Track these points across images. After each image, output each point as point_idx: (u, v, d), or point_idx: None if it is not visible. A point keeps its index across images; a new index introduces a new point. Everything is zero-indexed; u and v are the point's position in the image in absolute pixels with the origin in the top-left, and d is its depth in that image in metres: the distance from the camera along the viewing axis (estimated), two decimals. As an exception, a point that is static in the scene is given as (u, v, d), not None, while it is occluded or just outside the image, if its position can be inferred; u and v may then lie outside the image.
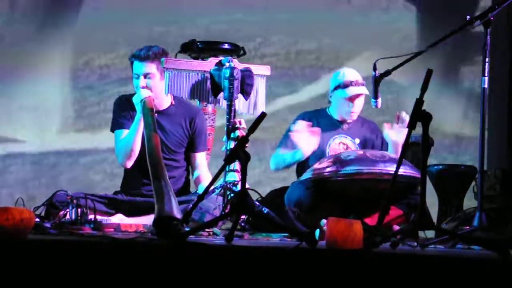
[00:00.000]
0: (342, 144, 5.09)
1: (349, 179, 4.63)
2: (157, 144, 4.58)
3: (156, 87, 4.86)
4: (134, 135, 4.83)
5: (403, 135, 4.77)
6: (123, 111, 4.96)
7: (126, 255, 3.29)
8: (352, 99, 5.08)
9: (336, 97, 5.11)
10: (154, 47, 4.93)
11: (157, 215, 4.20)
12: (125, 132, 4.91)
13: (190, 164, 5.10)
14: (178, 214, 4.19)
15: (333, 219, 3.67)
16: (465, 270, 3.31)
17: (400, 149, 4.83)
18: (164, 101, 5.00)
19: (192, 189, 5.15)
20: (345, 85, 5.07)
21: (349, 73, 5.13)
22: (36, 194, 6.48)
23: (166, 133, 4.95)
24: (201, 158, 5.09)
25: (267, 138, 6.48)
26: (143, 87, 4.85)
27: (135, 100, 4.82)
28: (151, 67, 4.86)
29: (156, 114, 4.79)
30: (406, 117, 4.88)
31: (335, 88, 5.11)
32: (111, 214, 4.79)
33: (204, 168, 5.07)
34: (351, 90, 5.05)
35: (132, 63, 4.92)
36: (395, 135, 4.95)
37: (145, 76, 4.87)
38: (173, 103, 5.03)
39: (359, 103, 5.10)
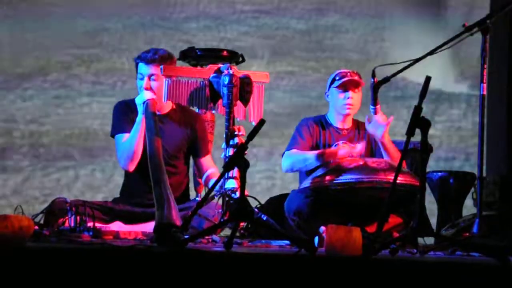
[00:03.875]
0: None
1: (349, 187, 4.63)
2: (159, 148, 4.58)
3: (159, 90, 4.85)
4: (136, 137, 4.82)
5: (381, 129, 4.87)
6: (123, 115, 4.95)
7: (125, 262, 3.29)
8: (347, 88, 5.06)
9: (332, 90, 5.11)
10: (161, 50, 4.92)
11: (157, 222, 4.20)
12: (126, 135, 4.90)
13: (198, 169, 5.09)
14: (178, 221, 4.19)
15: (332, 226, 3.67)
16: (464, 277, 3.31)
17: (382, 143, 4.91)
18: (165, 106, 5.00)
19: (192, 196, 5.14)
20: (340, 77, 5.08)
21: (344, 69, 5.17)
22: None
23: (166, 138, 4.93)
24: (207, 161, 5.07)
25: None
26: (146, 89, 4.84)
27: (138, 100, 4.81)
28: (156, 70, 4.85)
29: (157, 117, 4.79)
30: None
31: (331, 84, 5.12)
32: (109, 221, 4.78)
33: (212, 167, 5.04)
34: (346, 78, 5.06)
35: (137, 64, 4.92)
36: (372, 128, 4.95)
37: (150, 77, 4.86)
38: (174, 107, 5.03)
39: (356, 97, 5.08)
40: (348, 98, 5.06)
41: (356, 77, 5.06)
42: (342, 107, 5.08)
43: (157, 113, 4.84)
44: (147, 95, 4.80)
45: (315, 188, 4.72)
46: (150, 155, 4.57)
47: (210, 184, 4.88)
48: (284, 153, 5.07)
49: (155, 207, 4.32)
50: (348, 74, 5.08)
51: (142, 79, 4.88)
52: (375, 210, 4.50)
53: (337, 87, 5.07)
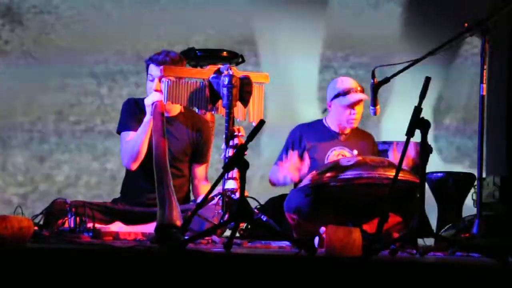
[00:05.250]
0: (341, 156, 5.08)
1: (348, 184, 4.63)
2: (164, 149, 4.59)
3: None
4: (142, 137, 4.83)
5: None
6: (131, 113, 4.96)
7: (124, 263, 3.29)
8: (353, 105, 5.07)
9: (336, 105, 5.11)
10: (172, 52, 4.94)
11: (158, 222, 4.21)
12: (131, 134, 4.91)
13: (192, 175, 5.10)
14: (179, 222, 4.19)
15: (332, 227, 3.67)
16: (464, 278, 3.31)
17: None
18: (174, 108, 5.00)
19: (192, 198, 5.14)
20: (345, 92, 5.07)
21: (347, 81, 5.14)
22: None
23: (172, 140, 4.94)
24: (202, 170, 5.08)
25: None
26: (156, 90, 4.85)
27: (147, 101, 4.82)
28: None
29: (165, 119, 4.80)
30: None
31: (335, 97, 5.10)
32: (109, 222, 4.79)
33: (203, 180, 5.06)
34: (352, 97, 5.05)
35: (148, 65, 4.93)
36: None
37: (160, 79, 4.87)
38: (183, 111, 5.04)
39: (359, 110, 5.10)
40: (354, 114, 5.08)
41: (361, 95, 5.06)
42: (346, 122, 5.10)
43: (166, 115, 4.85)
44: (156, 96, 4.80)
45: (314, 186, 4.72)
46: (156, 157, 4.57)
47: (199, 200, 4.87)
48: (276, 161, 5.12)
49: (158, 207, 4.33)
50: (352, 90, 5.07)
51: (152, 80, 4.90)
52: (374, 207, 4.51)
53: (342, 105, 5.07)
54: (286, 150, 5.11)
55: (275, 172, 5.08)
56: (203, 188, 5.00)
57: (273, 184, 5.12)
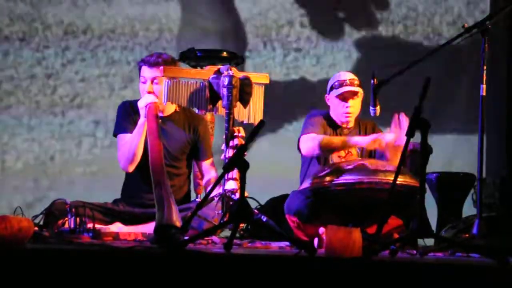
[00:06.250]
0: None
1: (349, 188, 4.62)
2: (160, 151, 4.59)
3: (162, 93, 4.86)
4: (137, 139, 4.83)
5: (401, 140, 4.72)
6: (126, 115, 4.96)
7: (124, 264, 3.29)
8: (345, 97, 5.04)
9: (332, 97, 5.09)
10: (164, 54, 4.94)
11: (157, 223, 4.20)
12: (127, 136, 4.92)
13: (200, 172, 5.10)
14: (178, 222, 4.19)
15: (332, 227, 3.67)
16: (464, 278, 3.31)
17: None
18: (169, 108, 5.00)
19: (193, 197, 5.14)
20: (339, 84, 5.05)
21: (344, 74, 5.13)
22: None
23: (169, 139, 4.94)
24: (208, 165, 5.08)
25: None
26: (149, 92, 4.85)
27: (140, 104, 4.82)
28: (159, 73, 4.86)
29: (159, 120, 4.80)
30: (404, 120, 4.83)
31: (331, 89, 5.10)
32: (109, 223, 4.79)
33: (213, 173, 5.06)
34: (344, 88, 5.03)
35: (140, 67, 4.93)
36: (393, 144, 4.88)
37: (152, 81, 4.87)
38: (177, 109, 5.04)
39: (354, 104, 5.06)
40: (347, 107, 5.04)
41: (354, 87, 5.02)
42: (341, 115, 5.07)
43: (160, 115, 4.85)
44: (150, 98, 4.81)
45: (314, 189, 4.71)
46: (151, 158, 4.57)
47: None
48: (299, 138, 5.02)
49: (156, 208, 4.33)
50: (346, 82, 5.04)
51: (144, 82, 4.90)
52: (374, 211, 4.50)
53: (336, 96, 5.05)
54: (313, 123, 5.03)
55: (311, 138, 4.94)
56: (215, 179, 5.00)
57: (312, 151, 4.97)
